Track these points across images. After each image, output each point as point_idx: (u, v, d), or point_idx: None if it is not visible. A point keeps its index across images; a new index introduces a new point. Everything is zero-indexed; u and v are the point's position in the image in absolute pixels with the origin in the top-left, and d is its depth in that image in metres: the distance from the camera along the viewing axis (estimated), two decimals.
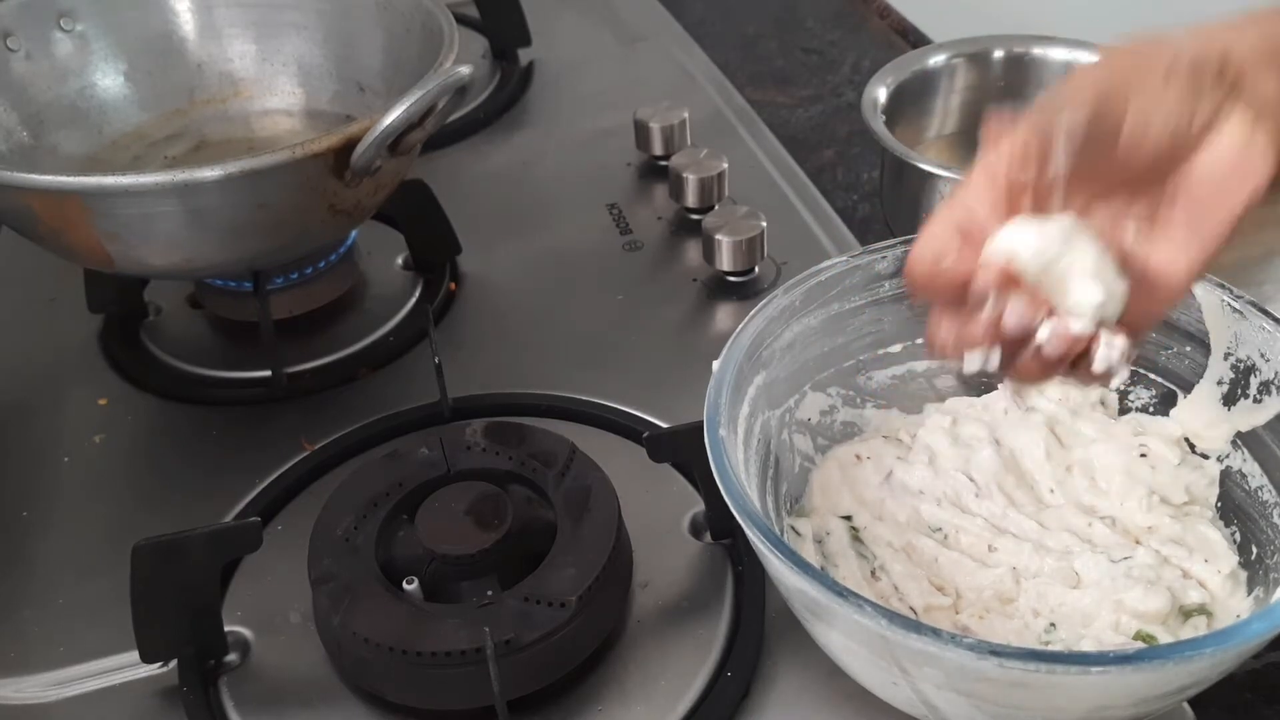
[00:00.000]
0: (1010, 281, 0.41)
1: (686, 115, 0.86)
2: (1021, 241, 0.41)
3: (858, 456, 0.57)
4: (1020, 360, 0.42)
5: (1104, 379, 0.43)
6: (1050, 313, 0.41)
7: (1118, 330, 0.42)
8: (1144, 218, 0.43)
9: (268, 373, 0.69)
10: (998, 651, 0.39)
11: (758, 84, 1.02)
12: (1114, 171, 0.42)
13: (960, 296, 0.42)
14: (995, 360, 0.43)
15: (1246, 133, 0.40)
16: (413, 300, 0.77)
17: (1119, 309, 0.42)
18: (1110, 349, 0.41)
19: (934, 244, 0.42)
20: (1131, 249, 0.42)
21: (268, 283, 0.69)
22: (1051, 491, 0.55)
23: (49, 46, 0.74)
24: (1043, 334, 0.41)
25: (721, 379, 0.50)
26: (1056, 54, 0.80)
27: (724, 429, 0.48)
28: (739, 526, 0.45)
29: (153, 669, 0.54)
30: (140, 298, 0.76)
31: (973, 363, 0.43)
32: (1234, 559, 0.51)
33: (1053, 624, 0.49)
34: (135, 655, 0.52)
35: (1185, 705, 0.50)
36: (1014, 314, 0.41)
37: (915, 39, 1.07)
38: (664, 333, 0.73)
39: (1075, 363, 0.43)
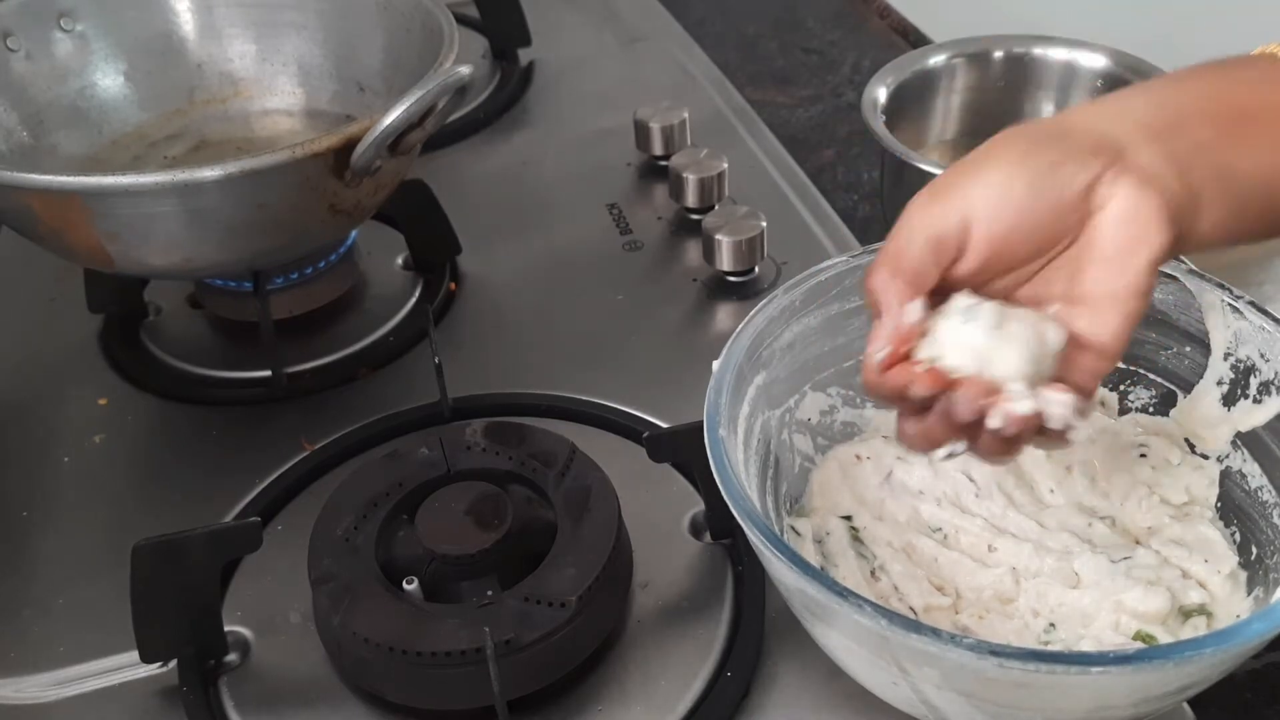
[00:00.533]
0: (941, 379, 0.43)
1: (686, 115, 0.86)
2: (948, 342, 0.43)
3: (858, 456, 0.57)
4: (982, 443, 0.44)
5: (1063, 437, 0.44)
6: (997, 392, 0.43)
7: (1057, 387, 0.43)
8: (1063, 289, 0.44)
9: (268, 373, 0.69)
10: (997, 651, 0.39)
11: (758, 84, 1.02)
12: (1013, 255, 0.44)
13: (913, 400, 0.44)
14: (962, 447, 0.44)
15: (1134, 200, 0.42)
16: (413, 300, 0.77)
17: (1052, 367, 0.43)
18: (1057, 406, 0.42)
19: (875, 370, 0.44)
20: (1059, 317, 0.44)
21: (268, 283, 0.69)
22: (1051, 491, 0.55)
23: (49, 46, 0.74)
24: (994, 421, 0.42)
25: (721, 379, 0.50)
26: (1056, 54, 0.80)
27: (724, 429, 0.48)
28: (739, 526, 0.45)
29: (153, 669, 0.54)
30: (140, 298, 0.76)
31: (941, 454, 0.45)
32: (1234, 559, 0.51)
33: (1052, 624, 0.49)
34: (135, 655, 0.52)
35: (1185, 705, 0.50)
36: (962, 406, 0.42)
37: (915, 39, 1.07)
38: (664, 333, 0.73)
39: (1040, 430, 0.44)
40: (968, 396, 0.42)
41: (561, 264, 0.79)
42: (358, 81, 0.77)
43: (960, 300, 0.44)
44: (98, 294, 0.74)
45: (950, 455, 0.45)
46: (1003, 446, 0.44)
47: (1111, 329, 0.43)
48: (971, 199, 0.43)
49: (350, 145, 0.60)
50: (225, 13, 0.79)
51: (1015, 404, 0.42)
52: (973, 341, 0.43)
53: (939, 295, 0.44)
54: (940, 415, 0.43)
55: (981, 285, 0.45)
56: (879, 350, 0.44)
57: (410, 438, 0.62)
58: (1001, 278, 0.45)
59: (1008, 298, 0.45)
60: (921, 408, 0.44)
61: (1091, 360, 0.44)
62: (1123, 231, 0.42)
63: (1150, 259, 0.42)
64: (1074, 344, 0.43)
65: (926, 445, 0.45)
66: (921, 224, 0.44)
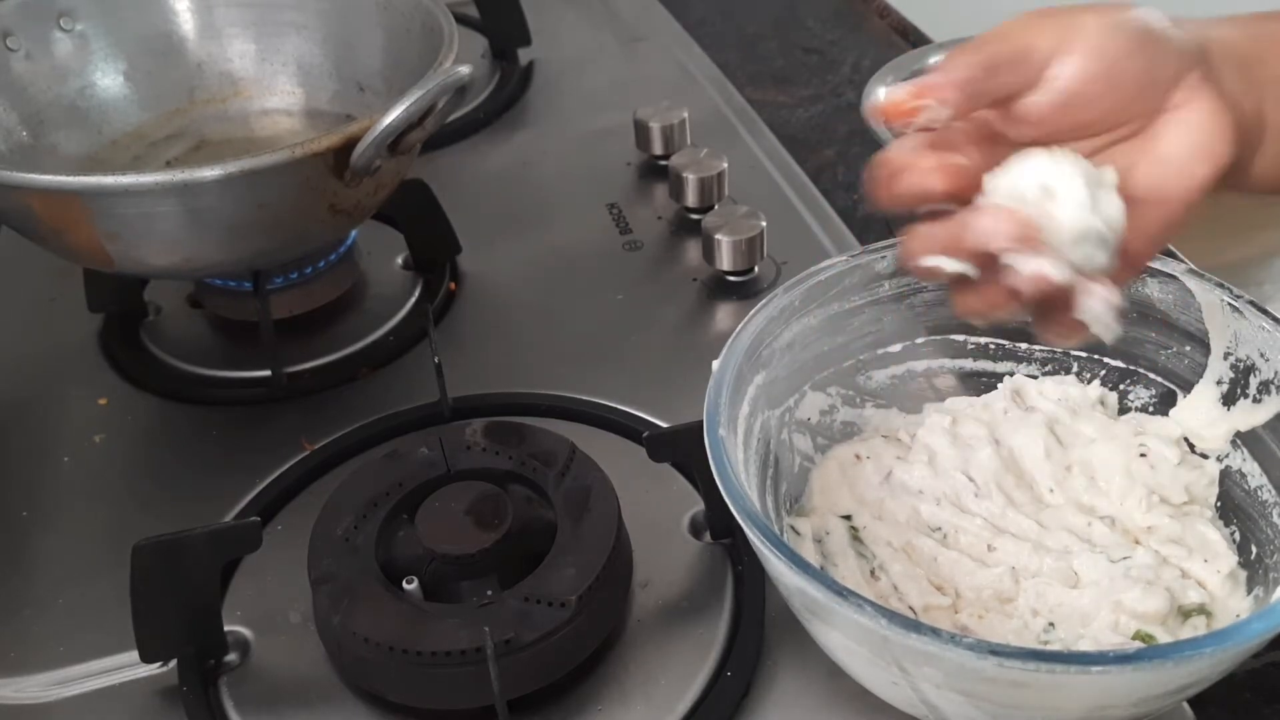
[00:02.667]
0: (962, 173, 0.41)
1: (686, 115, 0.86)
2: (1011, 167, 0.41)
3: (857, 456, 0.57)
4: (987, 285, 0.43)
5: (1081, 334, 0.43)
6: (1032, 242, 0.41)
7: (1101, 280, 0.42)
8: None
9: (268, 373, 0.69)
10: (997, 651, 0.39)
11: (758, 84, 1.02)
12: (1086, 111, 0.42)
13: (919, 202, 0.42)
14: (969, 269, 0.42)
15: (1211, 110, 0.42)
16: (413, 300, 0.77)
17: (1107, 256, 0.41)
18: (1092, 298, 0.41)
19: (905, 147, 0.43)
20: None
21: (268, 282, 0.69)
22: (1051, 491, 0.55)
23: (49, 46, 0.74)
24: (1022, 267, 0.41)
25: (721, 379, 0.50)
26: None
27: (724, 429, 0.48)
28: (739, 526, 0.45)
29: (153, 669, 0.54)
30: (140, 298, 0.76)
31: (947, 264, 0.43)
32: (1233, 559, 0.51)
33: (1051, 624, 0.49)
34: (135, 655, 0.52)
35: (1185, 705, 0.50)
36: (989, 229, 0.41)
37: (915, 39, 1.07)
38: (664, 333, 0.73)
39: (1054, 311, 0.43)
40: (999, 223, 0.40)
41: (561, 264, 0.79)
42: (358, 81, 0.77)
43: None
44: (98, 294, 0.74)
45: (945, 268, 0.42)
46: (1004, 299, 0.42)
47: (1150, 233, 0.42)
48: (1079, 26, 0.42)
49: (350, 145, 0.60)
50: (225, 13, 0.79)
51: (1049, 266, 0.40)
52: (1034, 171, 0.41)
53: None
54: (958, 230, 0.41)
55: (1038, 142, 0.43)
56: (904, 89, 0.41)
57: (410, 438, 0.62)
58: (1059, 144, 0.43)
59: None
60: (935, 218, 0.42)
61: (1119, 264, 0.43)
62: (1192, 136, 0.41)
63: (1212, 172, 0.41)
64: None
65: (926, 250, 0.43)
66: (1023, 26, 0.42)
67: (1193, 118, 0.42)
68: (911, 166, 0.43)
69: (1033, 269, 0.41)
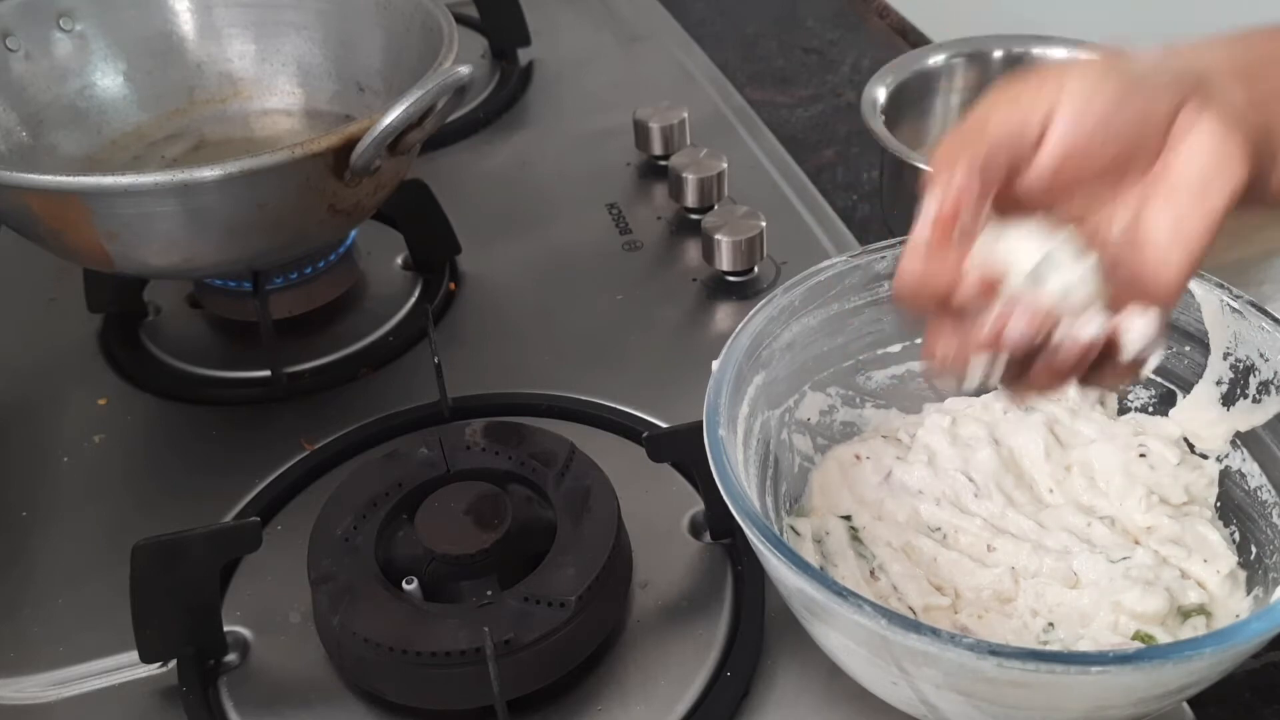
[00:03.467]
0: (991, 289, 0.41)
1: (686, 115, 0.86)
2: (1005, 249, 0.41)
3: (857, 456, 0.57)
4: (1031, 372, 0.42)
5: (1129, 371, 0.42)
6: (1054, 320, 0.41)
7: (1132, 306, 0.41)
8: (1125, 221, 0.42)
9: (267, 373, 0.69)
10: (997, 651, 0.39)
11: (758, 84, 1.02)
12: (1086, 168, 0.42)
13: (951, 307, 0.42)
14: (997, 373, 0.42)
15: (1218, 132, 0.40)
16: (412, 300, 0.77)
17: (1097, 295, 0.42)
18: (1138, 326, 0.41)
19: (918, 254, 0.42)
20: (1118, 254, 0.42)
21: (267, 283, 0.69)
22: (1050, 491, 0.55)
23: (49, 46, 0.74)
24: (1058, 338, 0.41)
25: (721, 379, 0.50)
26: (1056, 54, 0.80)
27: (723, 429, 0.48)
28: (739, 526, 0.45)
29: (152, 669, 0.54)
30: (140, 298, 0.76)
31: (973, 377, 0.42)
32: (1233, 559, 0.51)
33: (1051, 624, 0.49)
34: (135, 655, 0.52)
35: (1185, 705, 0.50)
36: (1016, 328, 0.41)
37: (915, 39, 1.07)
38: (664, 333, 0.73)
39: (1093, 366, 0.42)
40: (1024, 318, 0.40)
41: (561, 264, 0.79)
42: (357, 81, 0.77)
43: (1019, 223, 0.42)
44: (97, 294, 0.74)
45: (977, 383, 0.42)
46: (1052, 378, 0.42)
47: (1172, 271, 0.40)
48: (1060, 92, 0.41)
49: (350, 145, 0.60)
50: (225, 13, 0.79)
51: (1084, 325, 0.40)
52: (1024, 253, 0.41)
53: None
54: (989, 333, 0.41)
55: (1043, 208, 0.43)
56: (922, 231, 0.41)
57: (410, 437, 0.62)
58: (1064, 201, 0.43)
59: None
60: (954, 318, 0.42)
61: (1146, 301, 0.42)
62: (1202, 162, 0.40)
63: (1230, 191, 0.40)
64: (1127, 289, 0.41)
65: (961, 358, 0.42)
66: (1004, 106, 0.41)
67: (1198, 142, 0.40)
68: (936, 272, 0.42)
69: (1076, 338, 0.41)
